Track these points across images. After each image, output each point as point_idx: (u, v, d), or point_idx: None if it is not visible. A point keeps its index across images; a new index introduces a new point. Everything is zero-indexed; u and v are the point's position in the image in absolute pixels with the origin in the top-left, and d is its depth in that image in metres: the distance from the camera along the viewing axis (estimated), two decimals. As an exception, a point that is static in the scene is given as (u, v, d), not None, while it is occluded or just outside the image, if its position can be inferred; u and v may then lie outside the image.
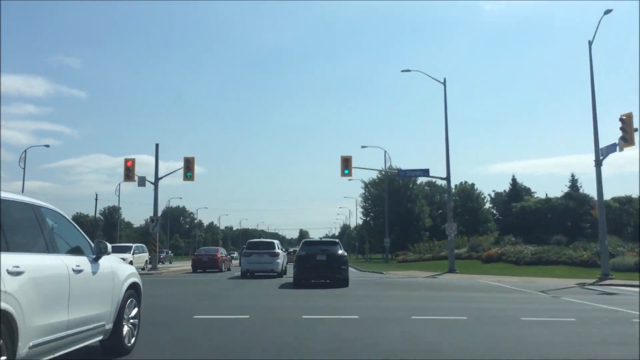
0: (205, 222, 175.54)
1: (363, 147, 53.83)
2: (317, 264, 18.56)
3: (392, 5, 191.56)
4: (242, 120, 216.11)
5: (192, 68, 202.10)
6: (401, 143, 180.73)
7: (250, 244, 25.49)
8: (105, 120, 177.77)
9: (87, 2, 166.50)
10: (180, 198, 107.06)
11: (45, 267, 4.71)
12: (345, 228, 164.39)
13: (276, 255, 24.61)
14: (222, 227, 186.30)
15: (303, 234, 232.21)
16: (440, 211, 74.65)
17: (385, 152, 53.67)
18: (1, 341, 3.84)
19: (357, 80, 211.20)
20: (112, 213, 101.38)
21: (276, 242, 26.70)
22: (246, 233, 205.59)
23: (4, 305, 3.87)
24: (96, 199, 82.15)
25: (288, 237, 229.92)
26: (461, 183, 73.31)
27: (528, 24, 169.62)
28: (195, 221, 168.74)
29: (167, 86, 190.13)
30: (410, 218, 62.29)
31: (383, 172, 53.46)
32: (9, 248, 4.24)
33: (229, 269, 33.46)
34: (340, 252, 19.21)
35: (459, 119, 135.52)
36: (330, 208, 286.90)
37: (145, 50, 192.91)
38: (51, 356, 4.70)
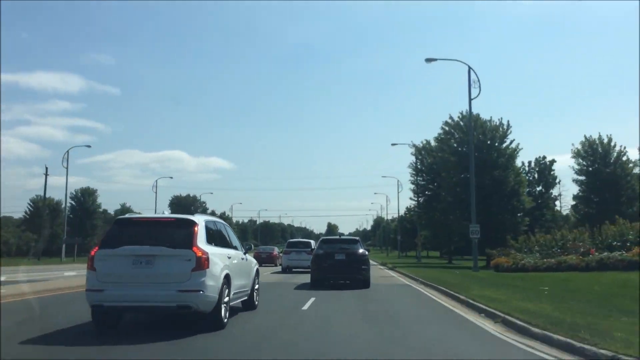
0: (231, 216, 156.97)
1: (429, 60, 30.20)
2: (336, 264, 17.78)
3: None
4: (270, 115, 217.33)
5: (223, 64, 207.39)
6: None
7: (290, 244, 30.28)
8: (137, 116, 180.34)
9: (120, 2, 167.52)
10: (171, 178, 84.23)
11: (234, 255, 10.11)
12: (379, 221, 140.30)
13: (312, 253, 24.90)
14: (245, 219, 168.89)
15: (331, 228, 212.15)
16: (528, 189, 50.28)
17: (469, 67, 29.79)
18: (227, 288, 9.10)
19: (385, 73, 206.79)
20: (86, 196, 79.61)
21: (312, 241, 31.40)
22: (267, 226, 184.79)
23: (229, 271, 9.23)
24: (46, 174, 60.46)
25: (316, 231, 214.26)
26: (586, 137, 47.84)
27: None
28: (208, 211, 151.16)
29: (198, 82, 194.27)
30: (500, 194, 38.03)
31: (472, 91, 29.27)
32: (224, 245, 9.84)
33: (281, 264, 32.92)
34: (360, 250, 18.53)
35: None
36: (361, 201, 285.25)
37: (176, 47, 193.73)
38: (232, 303, 9.75)
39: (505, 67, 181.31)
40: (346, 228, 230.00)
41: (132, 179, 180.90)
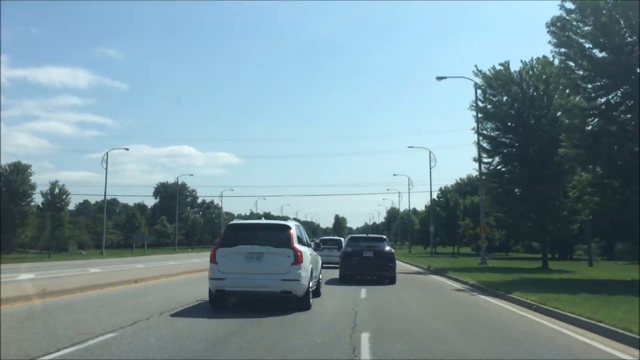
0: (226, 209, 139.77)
1: None
2: (364, 261, 18.39)
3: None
4: (281, 110, 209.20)
5: (231, 59, 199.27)
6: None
7: (322, 241, 28.53)
8: (146, 111, 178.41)
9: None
10: (127, 149, 64.24)
11: (311, 252, 12.51)
12: (393, 212, 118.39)
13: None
14: (247, 212, 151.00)
15: (339, 221, 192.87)
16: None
17: None
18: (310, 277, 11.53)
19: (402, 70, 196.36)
20: (14, 175, 59.79)
21: (342, 239, 31.56)
22: (268, 218, 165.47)
23: (312, 265, 11.91)
24: None
25: (323, 225, 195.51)
26: None
27: None
28: (199, 200, 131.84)
29: (207, 77, 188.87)
30: None
31: None
32: (303, 244, 12.00)
33: None
34: (387, 248, 19.15)
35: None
36: (371, 197, 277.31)
37: (185, 41, 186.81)
38: (310, 289, 11.56)
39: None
40: (355, 222, 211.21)
41: (141, 174, 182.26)
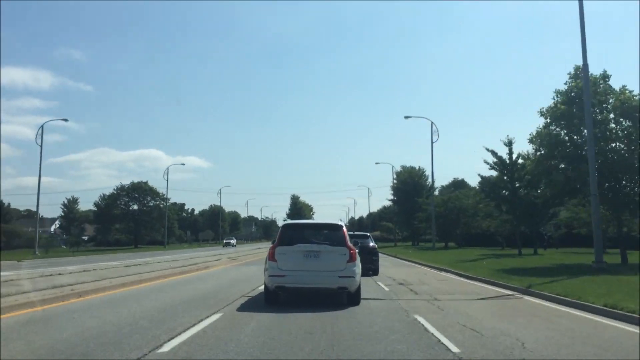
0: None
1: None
2: None
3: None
4: (247, 113, 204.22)
5: (199, 61, 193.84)
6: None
7: None
8: (112, 114, 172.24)
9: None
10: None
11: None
12: (405, 175, 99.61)
13: None
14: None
15: (300, 205, 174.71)
16: None
17: None
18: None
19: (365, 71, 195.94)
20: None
21: None
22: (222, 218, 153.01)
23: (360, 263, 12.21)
24: None
25: (279, 221, 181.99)
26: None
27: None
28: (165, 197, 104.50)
29: (174, 79, 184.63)
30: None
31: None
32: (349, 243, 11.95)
33: None
34: (371, 244, 22.01)
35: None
36: (336, 200, 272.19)
37: (151, 43, 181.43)
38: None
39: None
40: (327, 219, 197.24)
41: (108, 179, 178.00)
